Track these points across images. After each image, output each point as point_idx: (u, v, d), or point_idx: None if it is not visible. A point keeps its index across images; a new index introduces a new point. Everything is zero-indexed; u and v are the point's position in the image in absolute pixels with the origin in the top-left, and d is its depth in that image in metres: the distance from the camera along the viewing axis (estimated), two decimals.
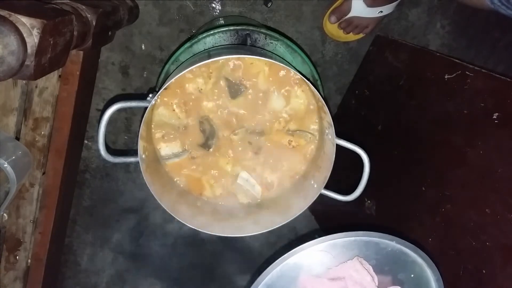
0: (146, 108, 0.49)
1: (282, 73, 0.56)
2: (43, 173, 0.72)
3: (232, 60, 0.55)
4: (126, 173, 0.93)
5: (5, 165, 0.63)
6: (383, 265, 0.44)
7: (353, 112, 0.83)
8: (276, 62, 0.49)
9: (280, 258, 0.42)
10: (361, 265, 0.43)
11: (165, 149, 0.59)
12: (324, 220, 0.89)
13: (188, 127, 0.59)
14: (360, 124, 0.79)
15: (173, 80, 0.49)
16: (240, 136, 0.60)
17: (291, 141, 0.60)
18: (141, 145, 0.51)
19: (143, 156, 0.52)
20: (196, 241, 0.99)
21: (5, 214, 0.73)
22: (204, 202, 0.62)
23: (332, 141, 0.52)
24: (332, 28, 0.81)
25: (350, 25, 0.79)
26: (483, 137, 0.49)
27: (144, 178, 0.51)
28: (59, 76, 0.66)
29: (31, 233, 0.76)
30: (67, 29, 0.51)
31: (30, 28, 0.43)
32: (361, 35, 0.83)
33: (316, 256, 0.43)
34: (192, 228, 0.55)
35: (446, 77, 0.57)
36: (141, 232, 0.98)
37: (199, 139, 0.59)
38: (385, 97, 0.73)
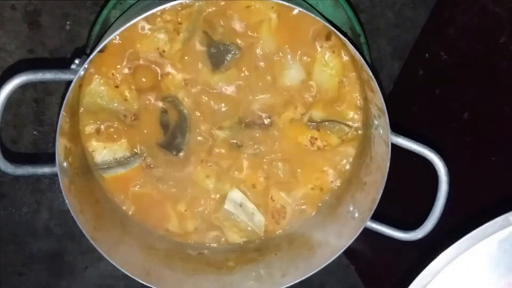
0: (70, 82, 0.49)
1: (299, 21, 0.56)
2: None
3: (214, 2, 0.55)
4: (36, 192, 0.93)
5: None
6: None
7: (421, 90, 0.83)
8: (289, 4, 0.49)
9: None
10: None
11: (101, 152, 0.60)
12: (370, 273, 0.89)
13: (142, 116, 0.59)
14: (432, 110, 0.79)
15: (115, 34, 0.49)
16: (229, 131, 0.60)
17: (316, 138, 0.60)
18: (61, 145, 0.52)
19: (65, 164, 0.53)
20: None
21: None
22: (168, 241, 0.62)
23: (386, 138, 0.52)
24: None
25: None
26: None
27: (66, 200, 0.51)
28: None
29: None
30: None
31: None
32: None
33: None
34: (147, 287, 0.55)
35: None
36: None
37: (160, 136, 0.60)
38: (476, 64, 0.73)
